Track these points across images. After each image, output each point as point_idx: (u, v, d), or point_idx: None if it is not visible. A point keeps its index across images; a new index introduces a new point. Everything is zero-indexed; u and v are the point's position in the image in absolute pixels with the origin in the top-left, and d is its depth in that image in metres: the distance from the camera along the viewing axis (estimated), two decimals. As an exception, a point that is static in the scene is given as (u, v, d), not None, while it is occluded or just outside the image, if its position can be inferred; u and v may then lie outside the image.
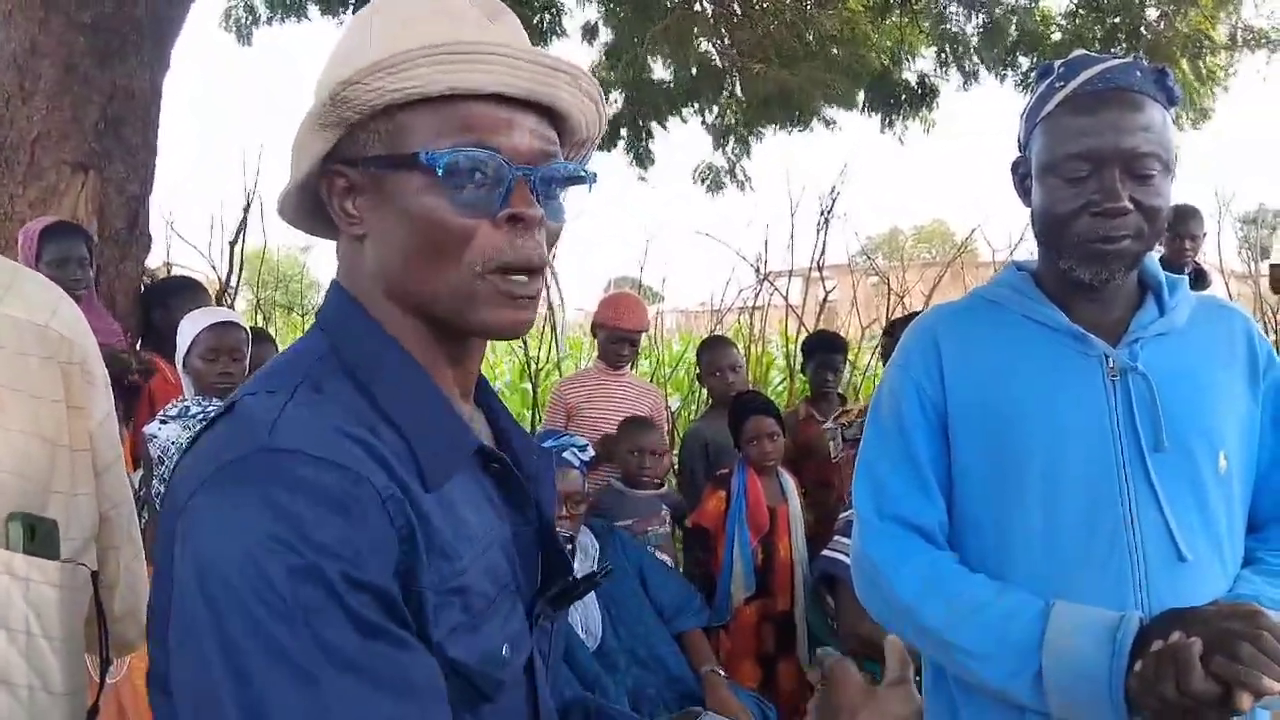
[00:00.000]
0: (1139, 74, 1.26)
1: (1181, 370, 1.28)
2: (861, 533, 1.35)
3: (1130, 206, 1.22)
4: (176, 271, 5.98)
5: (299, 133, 0.80)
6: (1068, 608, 1.18)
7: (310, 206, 0.84)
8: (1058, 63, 1.33)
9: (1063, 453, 1.25)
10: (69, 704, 0.98)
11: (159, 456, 2.64)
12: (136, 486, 2.59)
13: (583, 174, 0.82)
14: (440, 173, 0.74)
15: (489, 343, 0.92)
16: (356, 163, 0.78)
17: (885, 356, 4.12)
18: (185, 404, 2.72)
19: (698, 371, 4.40)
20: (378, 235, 0.79)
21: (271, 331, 8.18)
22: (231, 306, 6.17)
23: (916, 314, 4.96)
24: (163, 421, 2.69)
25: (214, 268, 6.39)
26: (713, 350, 4.11)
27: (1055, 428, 1.26)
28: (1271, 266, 4.95)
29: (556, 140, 0.81)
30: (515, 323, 0.79)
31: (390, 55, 0.74)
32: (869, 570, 1.33)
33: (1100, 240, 1.24)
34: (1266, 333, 6.31)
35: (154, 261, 4.64)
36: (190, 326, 2.76)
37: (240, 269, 6.56)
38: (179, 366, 2.81)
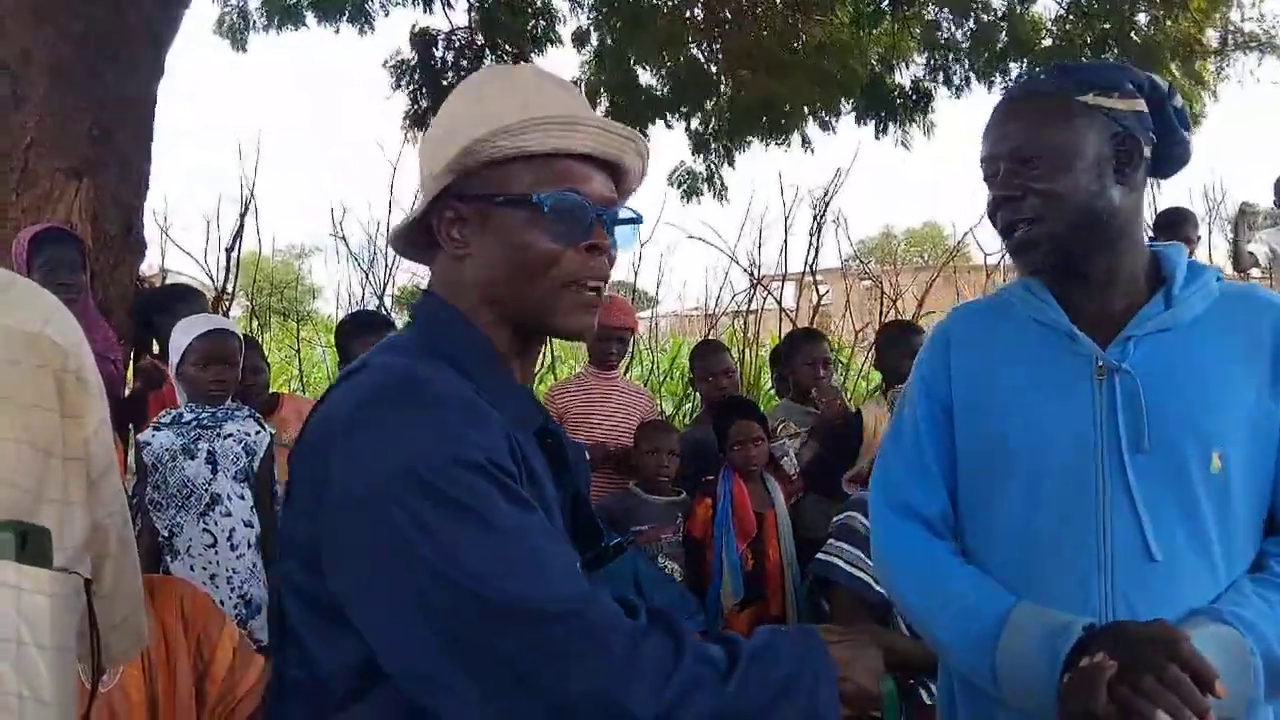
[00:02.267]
0: (1043, 77, 1.36)
1: (1180, 367, 1.26)
2: (872, 522, 1.43)
3: (1016, 194, 1.29)
4: (172, 278, 5.97)
5: (426, 176, 1.02)
6: (1027, 609, 1.23)
7: (412, 236, 1.07)
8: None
9: (1045, 450, 1.28)
10: (59, 713, 0.98)
11: (152, 464, 2.64)
12: (130, 493, 2.60)
13: (636, 216, 1.09)
14: (546, 210, 0.98)
15: None
16: (467, 199, 1.01)
17: (879, 359, 4.08)
18: (179, 411, 2.73)
19: (690, 376, 4.41)
20: (480, 256, 1.01)
21: (267, 337, 8.19)
22: (227, 313, 6.18)
23: (903, 321, 4.95)
24: (156, 429, 2.69)
25: (209, 275, 6.39)
26: (706, 356, 4.11)
27: (1039, 426, 1.29)
28: (1233, 242, 4.98)
29: (615, 189, 1.06)
30: (585, 326, 1.04)
31: (519, 121, 0.98)
32: (878, 557, 1.42)
33: (1005, 229, 1.32)
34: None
35: (149, 268, 4.64)
36: (183, 334, 2.76)
37: (236, 275, 6.57)
38: (172, 373, 2.81)
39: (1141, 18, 5.10)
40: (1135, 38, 5.05)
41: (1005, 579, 1.29)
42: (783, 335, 6.50)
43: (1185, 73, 5.02)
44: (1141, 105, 1.29)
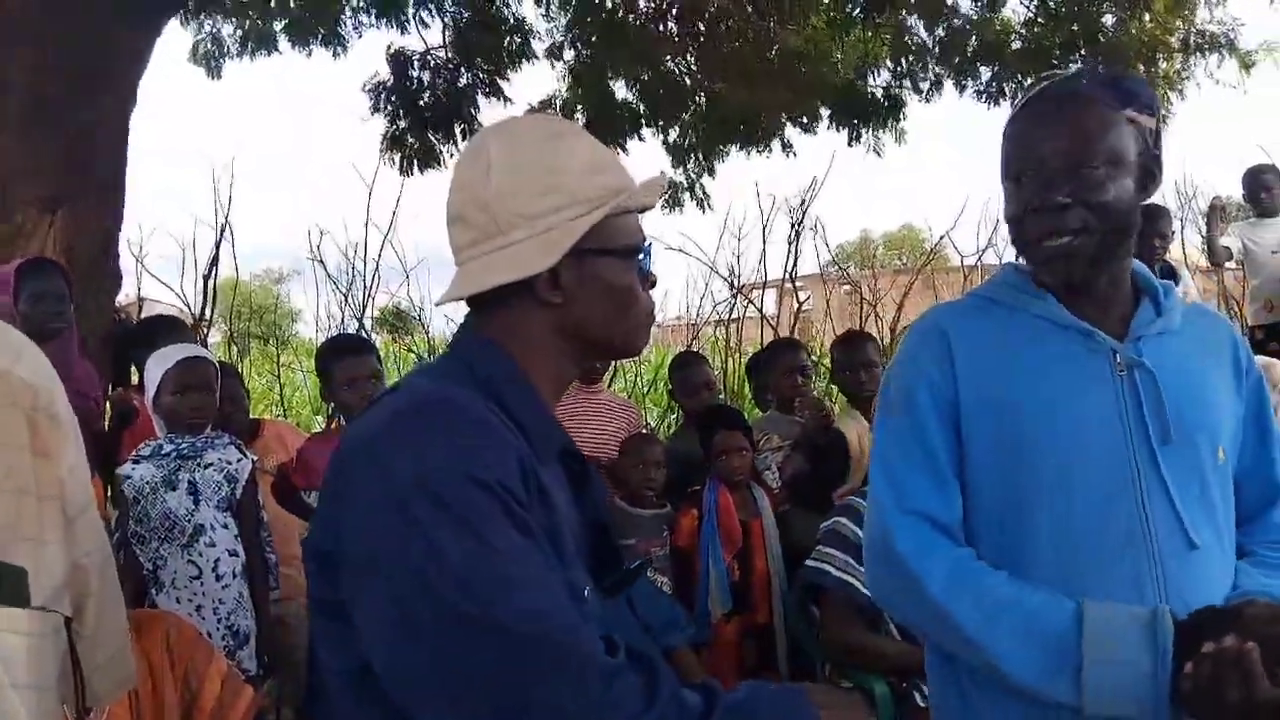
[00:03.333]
0: (1084, 81, 1.32)
1: (1182, 367, 1.31)
2: (883, 525, 1.34)
3: (1066, 201, 1.26)
4: (148, 307, 5.93)
5: (506, 223, 1.06)
6: (1099, 607, 1.19)
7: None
8: (1030, 83, 1.40)
9: (1076, 446, 1.27)
10: None
11: (134, 497, 2.61)
12: (113, 527, 2.57)
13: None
14: (644, 258, 1.11)
15: None
16: (576, 252, 1.06)
17: (836, 373, 3.99)
18: (158, 443, 2.70)
19: (670, 388, 4.40)
20: (576, 303, 1.07)
21: (246, 363, 8.13)
22: (205, 339, 6.13)
23: (855, 331, 4.91)
24: (135, 462, 2.66)
25: (186, 304, 6.35)
26: (686, 368, 4.10)
27: (1068, 422, 1.28)
28: (1206, 237, 5.04)
29: None
30: (644, 344, 1.18)
31: (639, 187, 1.11)
32: (894, 563, 1.32)
33: (1045, 237, 1.28)
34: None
35: (125, 298, 4.60)
36: (158, 365, 2.72)
37: (214, 301, 6.52)
38: (149, 406, 2.78)
39: (1108, 19, 5.17)
40: (1102, 39, 5.12)
41: (1046, 579, 1.25)
42: (764, 343, 6.53)
43: (1151, 73, 5.09)
44: (1154, 124, 1.32)
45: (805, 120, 6.26)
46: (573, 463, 1.10)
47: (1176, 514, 1.25)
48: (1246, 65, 5.06)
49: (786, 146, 6.41)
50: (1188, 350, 1.34)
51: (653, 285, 1.17)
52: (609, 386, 4.73)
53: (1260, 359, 4.62)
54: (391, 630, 0.89)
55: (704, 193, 6.63)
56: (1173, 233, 4.31)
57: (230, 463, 2.71)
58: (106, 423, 3.27)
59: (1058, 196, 1.26)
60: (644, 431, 3.72)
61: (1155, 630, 1.14)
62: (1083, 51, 5.12)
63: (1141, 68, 4.98)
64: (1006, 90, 5.46)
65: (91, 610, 1.09)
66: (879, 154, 6.19)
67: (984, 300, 1.42)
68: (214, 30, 6.14)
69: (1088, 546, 1.26)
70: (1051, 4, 5.39)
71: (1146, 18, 4.96)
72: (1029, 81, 1.43)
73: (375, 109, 6.02)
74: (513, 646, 0.87)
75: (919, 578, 1.28)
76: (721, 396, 7.16)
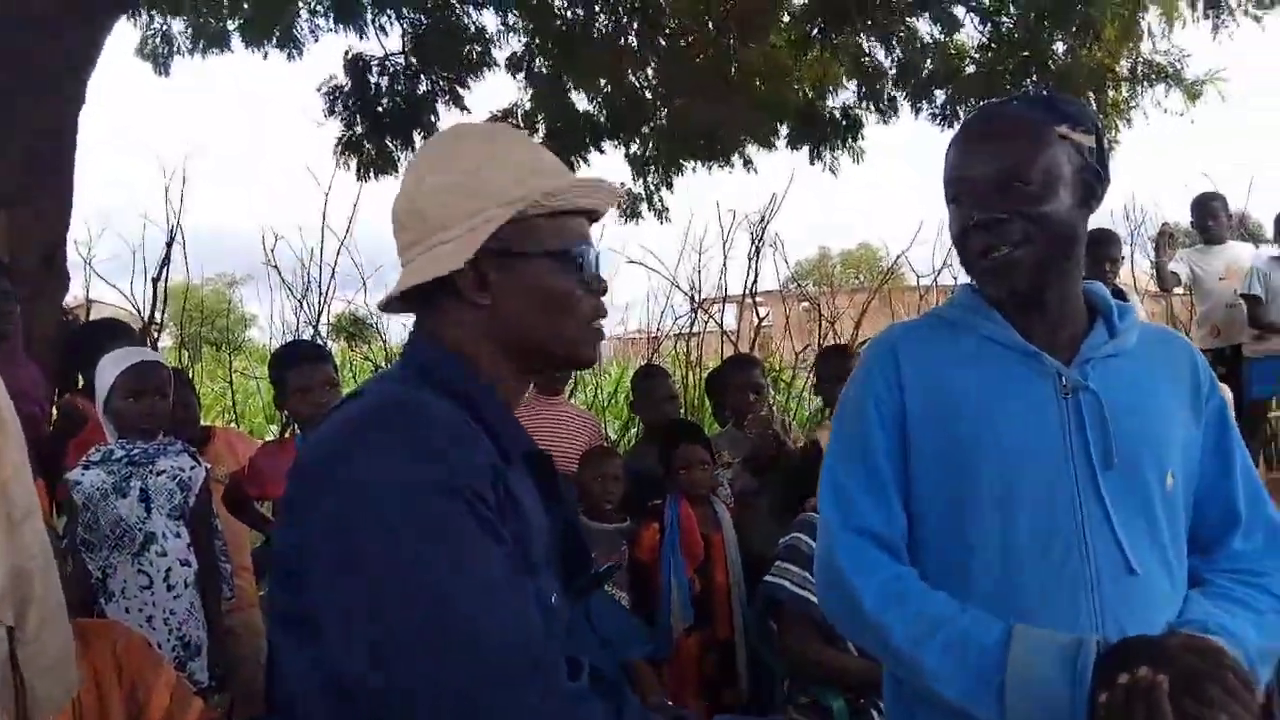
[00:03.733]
0: (1016, 103, 1.36)
1: (1131, 391, 1.32)
2: (828, 543, 1.36)
3: (1002, 216, 1.28)
4: (97, 309, 5.79)
5: (437, 223, 1.06)
6: (1027, 631, 1.20)
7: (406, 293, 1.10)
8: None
9: (1017, 468, 1.28)
10: None
11: (83, 503, 2.54)
12: (61, 533, 2.50)
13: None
14: (581, 264, 1.09)
15: None
16: (499, 253, 1.06)
17: (820, 382, 4.11)
18: (109, 448, 2.63)
19: (631, 400, 4.40)
20: (507, 304, 1.07)
21: (197, 368, 7.97)
22: (155, 344, 6.00)
23: (842, 345, 5.02)
24: (85, 467, 2.59)
25: (135, 306, 6.21)
26: (647, 380, 4.11)
27: (1009, 444, 1.29)
28: (1155, 263, 5.17)
29: None
30: (595, 357, 1.16)
31: (571, 183, 1.09)
32: (835, 580, 1.34)
33: (986, 251, 1.30)
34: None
35: (73, 300, 4.49)
36: (109, 368, 2.66)
37: (164, 305, 6.40)
38: (99, 410, 2.71)
39: (1059, 47, 5.29)
40: (1053, 66, 5.24)
41: (984, 599, 1.26)
42: (724, 357, 6.56)
43: (1100, 101, 5.23)
44: (1093, 141, 1.34)
45: (765, 138, 6.33)
46: (538, 465, 1.10)
47: (1116, 539, 1.25)
48: (1192, 95, 5.21)
49: (748, 164, 6.47)
50: (1141, 373, 1.34)
51: (602, 293, 1.14)
52: (569, 399, 4.71)
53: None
54: (368, 644, 0.88)
55: (662, 205, 6.66)
56: (1123, 257, 4.42)
57: (183, 470, 2.65)
58: (51, 428, 3.18)
59: (995, 212, 1.28)
60: (603, 445, 3.72)
61: (1076, 656, 1.15)
62: (1034, 77, 5.24)
63: (1091, 95, 5.11)
64: (960, 113, 5.57)
65: (34, 617, 1.06)
66: (834, 173, 6.27)
67: (938, 320, 1.44)
68: (164, 27, 6.03)
69: (1027, 568, 1.26)
70: (1004, 30, 5.51)
71: (1096, 47, 5.08)
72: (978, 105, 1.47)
73: (331, 112, 5.95)
74: (480, 661, 0.86)
75: (856, 594, 1.30)
76: (681, 411, 7.20)
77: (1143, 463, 1.29)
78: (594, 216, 1.15)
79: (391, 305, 1.15)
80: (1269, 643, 1.27)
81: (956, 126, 1.43)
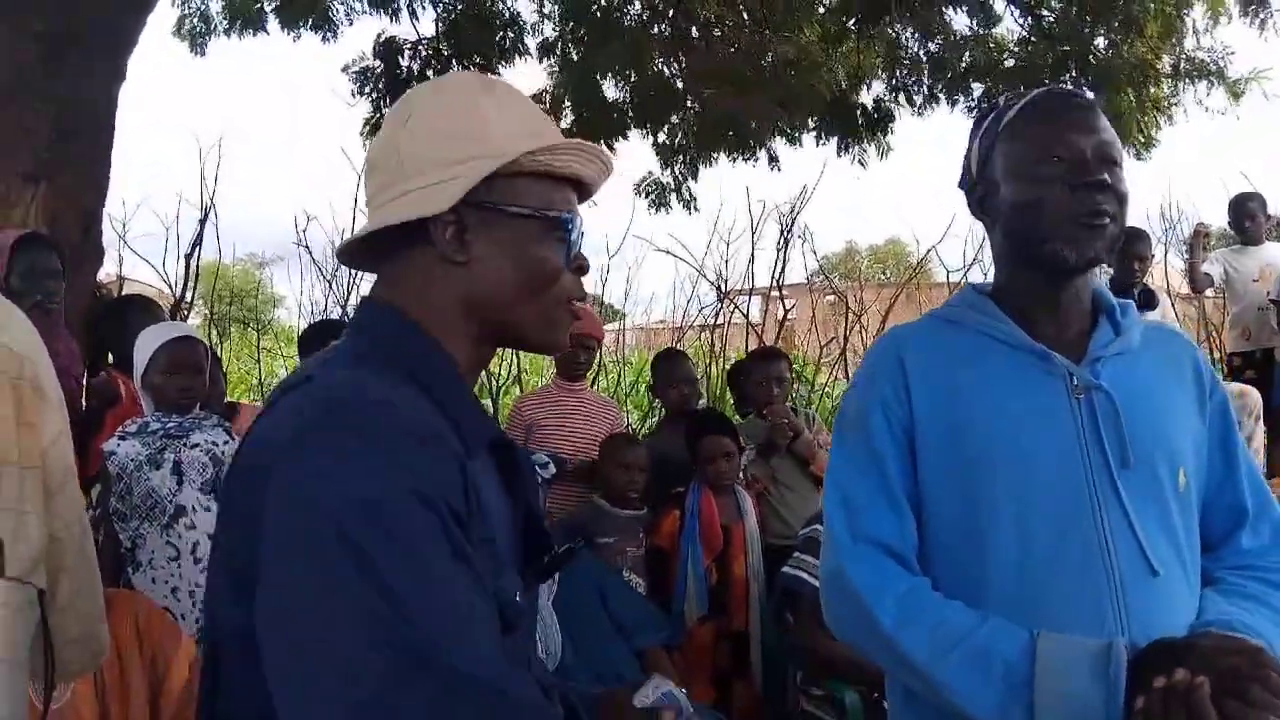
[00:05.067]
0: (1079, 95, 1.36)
1: (1141, 389, 1.30)
2: (837, 555, 1.31)
3: (1108, 181, 1.26)
4: (129, 286, 5.87)
5: (430, 169, 0.97)
6: (1053, 639, 1.17)
7: (372, 239, 1.00)
8: (1000, 98, 1.40)
9: (1032, 471, 1.25)
10: None
11: (117, 473, 2.58)
12: (93, 503, 2.54)
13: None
14: (567, 229, 1.00)
15: None
16: (479, 206, 0.97)
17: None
18: (145, 420, 2.67)
19: (650, 383, 4.42)
20: (481, 265, 0.98)
21: (226, 346, 8.07)
22: (185, 321, 6.08)
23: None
24: (121, 438, 2.63)
25: (168, 283, 6.29)
26: (668, 362, 4.13)
27: (1023, 447, 1.26)
28: (1188, 263, 5.10)
29: None
30: (564, 343, 1.06)
31: (563, 142, 0.99)
32: (848, 595, 1.29)
33: (1087, 215, 1.26)
34: (1210, 351, 6.51)
35: (106, 276, 4.55)
36: (148, 342, 2.70)
37: (195, 283, 6.47)
38: (137, 383, 2.75)
39: (1100, 42, 5.22)
40: (1094, 61, 5.17)
41: (1003, 607, 1.23)
42: (749, 350, 6.55)
43: (1141, 97, 5.15)
44: None
45: (793, 131, 6.29)
46: (502, 452, 1.02)
47: (1137, 540, 1.23)
48: (1235, 94, 5.12)
49: (773, 160, 6.44)
50: (1147, 371, 1.32)
51: (583, 272, 1.05)
52: (591, 387, 4.72)
53: (1236, 386, 4.70)
54: (324, 671, 0.77)
55: (690, 194, 6.65)
56: (1152, 255, 4.36)
57: (216, 444, 2.69)
58: (84, 403, 3.23)
59: (1102, 175, 1.26)
60: (625, 432, 3.73)
61: (1108, 663, 1.12)
62: (1075, 72, 5.17)
63: (1132, 91, 5.04)
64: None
65: (66, 585, 1.08)
66: (864, 165, 6.23)
67: (942, 321, 1.40)
68: (202, 7, 6.08)
69: (1047, 573, 1.23)
70: (1045, 24, 5.44)
71: (1138, 42, 5.01)
72: (1000, 98, 1.43)
73: (361, 92, 5.98)
74: (446, 688, 0.78)
75: (871, 610, 1.25)
76: (704, 401, 7.19)
77: (1157, 462, 1.27)
78: (584, 192, 1.06)
79: (353, 258, 1.05)
80: None
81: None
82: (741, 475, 3.52)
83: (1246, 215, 5.11)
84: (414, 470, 0.82)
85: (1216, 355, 6.27)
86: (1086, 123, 1.29)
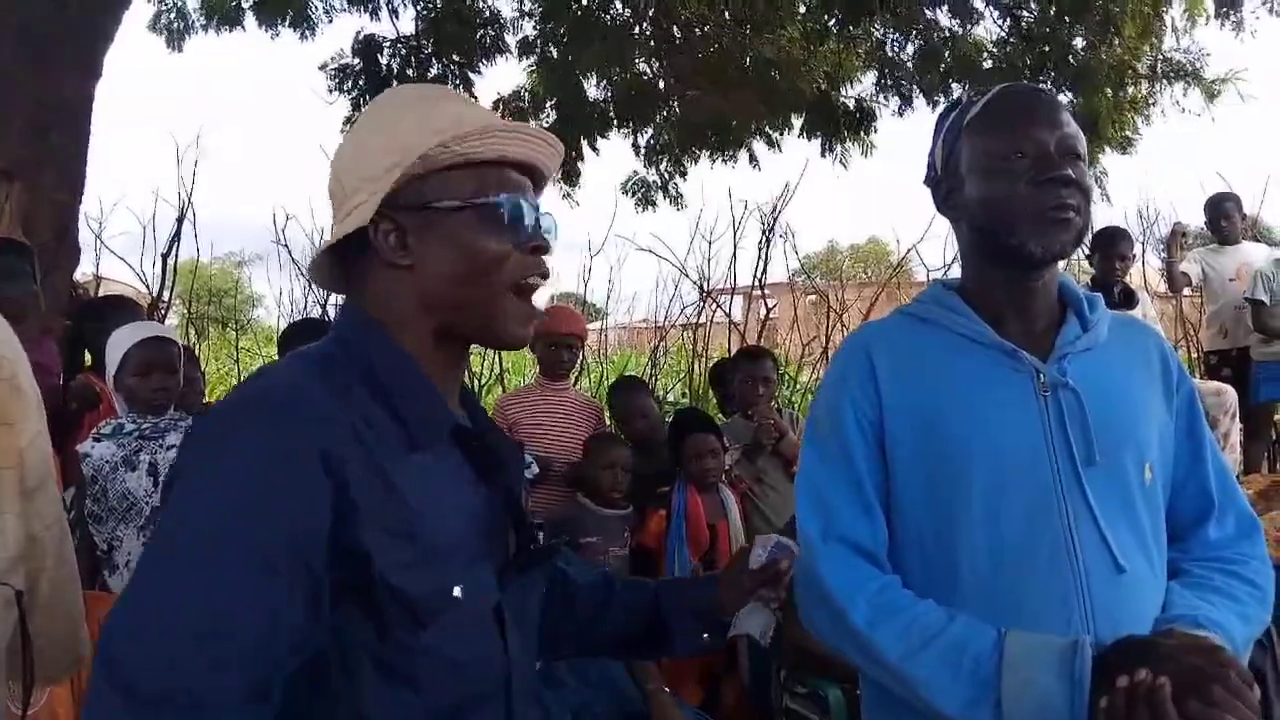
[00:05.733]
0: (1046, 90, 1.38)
1: (1107, 385, 1.30)
2: (809, 555, 1.31)
3: (1072, 176, 1.27)
4: (106, 285, 5.80)
5: (356, 188, 1.01)
6: (1020, 637, 1.18)
7: (329, 260, 1.06)
8: (963, 95, 1.41)
9: (1001, 469, 1.25)
10: None
11: (92, 475, 2.55)
12: (69, 505, 2.51)
13: (550, 215, 1.09)
14: (502, 212, 1.00)
15: None
16: (408, 209, 1.00)
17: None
18: (120, 422, 2.64)
19: (608, 409, 4.30)
20: (424, 265, 1.00)
21: (204, 347, 8.00)
22: (163, 321, 6.02)
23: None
24: (96, 439, 2.60)
25: (145, 282, 6.22)
26: (625, 394, 4.03)
27: (991, 444, 1.26)
28: (1166, 262, 5.15)
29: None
30: (523, 336, 1.05)
31: (474, 129, 1.00)
32: (820, 595, 1.29)
33: (1052, 208, 1.26)
34: (1187, 350, 6.57)
35: (82, 275, 4.49)
36: (120, 342, 2.67)
37: (173, 282, 6.41)
38: (110, 385, 2.72)
39: (1079, 42, 5.27)
40: (1072, 62, 5.22)
41: (973, 604, 1.24)
42: (731, 349, 6.56)
43: (1119, 98, 5.20)
44: None
45: (776, 130, 6.31)
46: (470, 442, 1.04)
47: (1102, 536, 1.23)
48: (1211, 94, 5.18)
49: (753, 159, 6.45)
50: (1114, 365, 1.33)
51: (538, 251, 1.04)
52: (575, 386, 4.70)
53: (1213, 384, 4.73)
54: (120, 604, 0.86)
55: (677, 191, 6.65)
56: (1133, 255, 4.39)
57: (191, 446, 2.66)
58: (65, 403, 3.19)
59: (1066, 170, 1.26)
60: (609, 431, 3.72)
61: (1073, 661, 1.13)
62: (1053, 72, 5.22)
63: (1110, 92, 5.08)
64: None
65: (45, 585, 1.06)
66: (845, 165, 6.26)
67: (911, 318, 1.40)
68: (178, 2, 6.03)
69: (1016, 571, 1.24)
70: (1024, 25, 5.49)
71: (1116, 43, 5.06)
72: (964, 95, 1.43)
73: (338, 89, 5.95)
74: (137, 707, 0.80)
75: (844, 609, 1.26)
76: (686, 400, 7.19)
77: (1123, 458, 1.27)
78: (535, 174, 1.07)
79: (324, 280, 1.10)
80: (1250, 630, 1.27)
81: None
82: (725, 475, 3.53)
83: (1223, 215, 5.16)
84: (242, 479, 0.87)
85: (1194, 354, 6.33)
86: (1049, 118, 1.29)
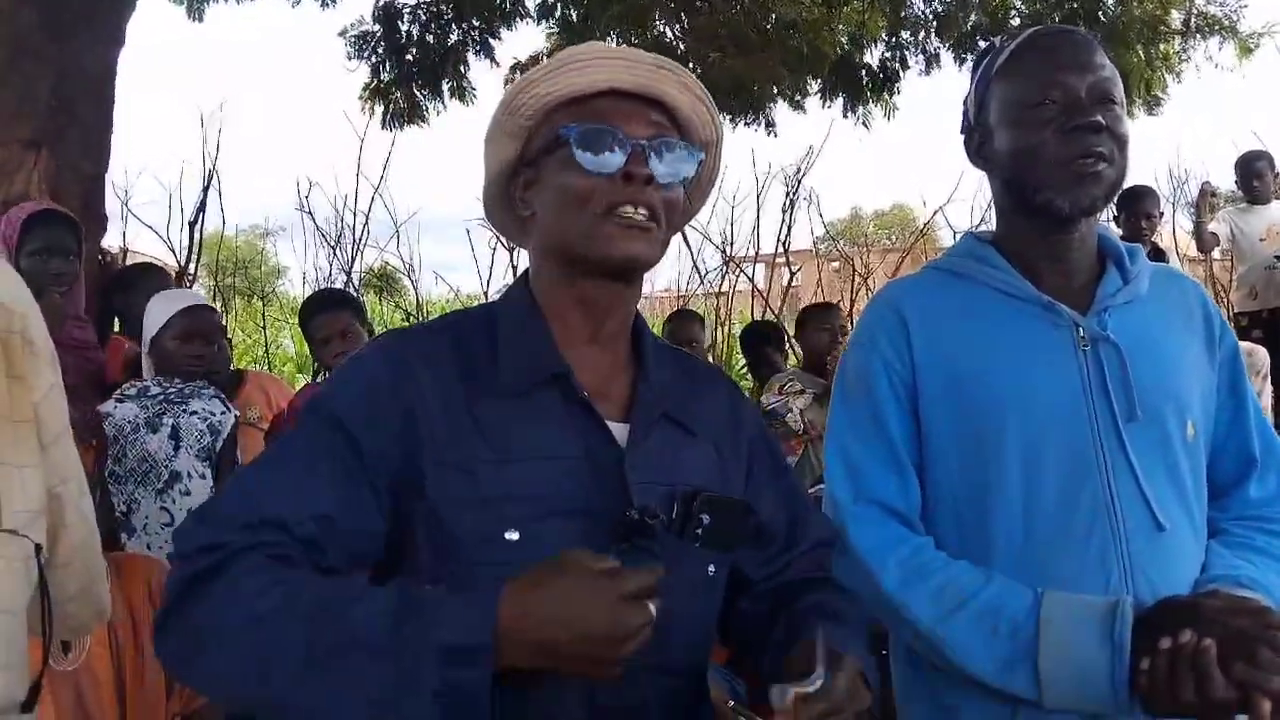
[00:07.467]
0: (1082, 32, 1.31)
1: (1148, 339, 1.26)
2: (839, 516, 1.29)
3: (1103, 123, 1.22)
4: (132, 255, 5.86)
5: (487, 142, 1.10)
6: (1058, 599, 1.15)
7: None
8: (997, 41, 1.35)
9: (1039, 426, 1.23)
10: (9, 677, 0.96)
11: (114, 435, 2.59)
12: (91, 466, 2.55)
13: (689, 149, 1.06)
14: (572, 141, 1.00)
15: None
16: (528, 162, 1.07)
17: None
18: (144, 384, 2.67)
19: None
20: (539, 212, 1.06)
21: (230, 317, 8.07)
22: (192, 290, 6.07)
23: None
24: (119, 400, 2.64)
25: (172, 251, 6.27)
26: (678, 319, 4.39)
27: (1030, 401, 1.23)
28: (1195, 223, 5.06)
29: (672, 129, 1.07)
30: (624, 251, 1.00)
31: (544, 69, 1.04)
32: (850, 556, 1.27)
33: (1079, 158, 1.22)
34: (1222, 311, 6.46)
35: (108, 244, 4.54)
36: (161, 307, 2.70)
37: (199, 252, 6.46)
38: (144, 347, 2.74)
39: (1110, -2, 5.14)
40: (1103, 18, 5.09)
41: (1008, 564, 1.21)
42: (754, 315, 6.52)
43: (1150, 54, 5.07)
44: None
45: (797, 93, 6.21)
46: (572, 393, 1.01)
47: (1143, 493, 1.20)
48: (1246, 49, 5.03)
49: (770, 125, 6.37)
50: (1156, 319, 1.29)
51: (625, 177, 0.99)
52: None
53: (1244, 345, 4.65)
54: None
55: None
56: (1160, 214, 4.32)
57: (214, 414, 2.69)
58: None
59: (1096, 117, 1.21)
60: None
61: (1113, 623, 1.11)
62: (1083, 29, 5.09)
63: (1141, 48, 4.96)
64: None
65: (65, 541, 1.08)
66: (867, 126, 6.17)
67: (942, 273, 1.37)
68: (198, -31, 6.00)
69: (1052, 527, 1.21)
70: (1053, -22, 5.35)
71: (1147, -2, 4.93)
72: (997, 39, 1.38)
73: (357, 55, 5.92)
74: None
75: (873, 572, 1.24)
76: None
77: (1164, 414, 1.24)
78: (660, 105, 1.05)
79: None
80: None
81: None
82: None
83: (1255, 174, 5.04)
84: (341, 394, 1.01)
85: (1224, 315, 6.24)
86: (1081, 60, 1.24)
